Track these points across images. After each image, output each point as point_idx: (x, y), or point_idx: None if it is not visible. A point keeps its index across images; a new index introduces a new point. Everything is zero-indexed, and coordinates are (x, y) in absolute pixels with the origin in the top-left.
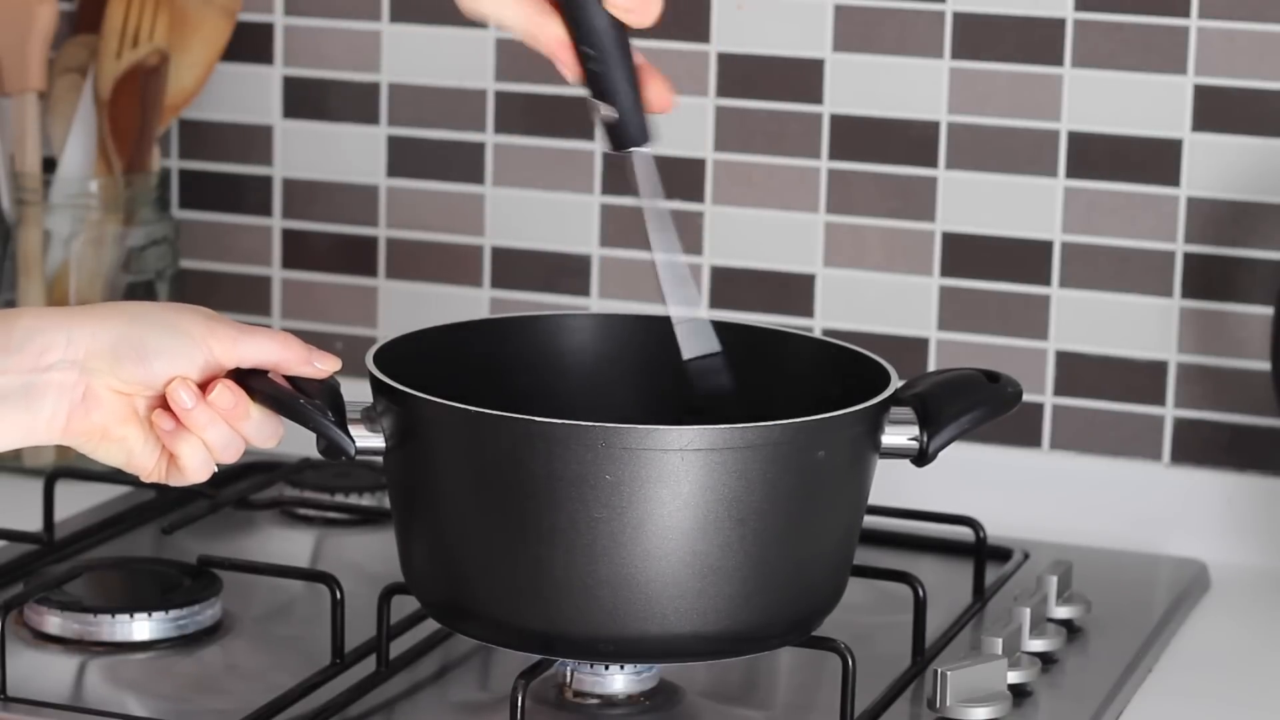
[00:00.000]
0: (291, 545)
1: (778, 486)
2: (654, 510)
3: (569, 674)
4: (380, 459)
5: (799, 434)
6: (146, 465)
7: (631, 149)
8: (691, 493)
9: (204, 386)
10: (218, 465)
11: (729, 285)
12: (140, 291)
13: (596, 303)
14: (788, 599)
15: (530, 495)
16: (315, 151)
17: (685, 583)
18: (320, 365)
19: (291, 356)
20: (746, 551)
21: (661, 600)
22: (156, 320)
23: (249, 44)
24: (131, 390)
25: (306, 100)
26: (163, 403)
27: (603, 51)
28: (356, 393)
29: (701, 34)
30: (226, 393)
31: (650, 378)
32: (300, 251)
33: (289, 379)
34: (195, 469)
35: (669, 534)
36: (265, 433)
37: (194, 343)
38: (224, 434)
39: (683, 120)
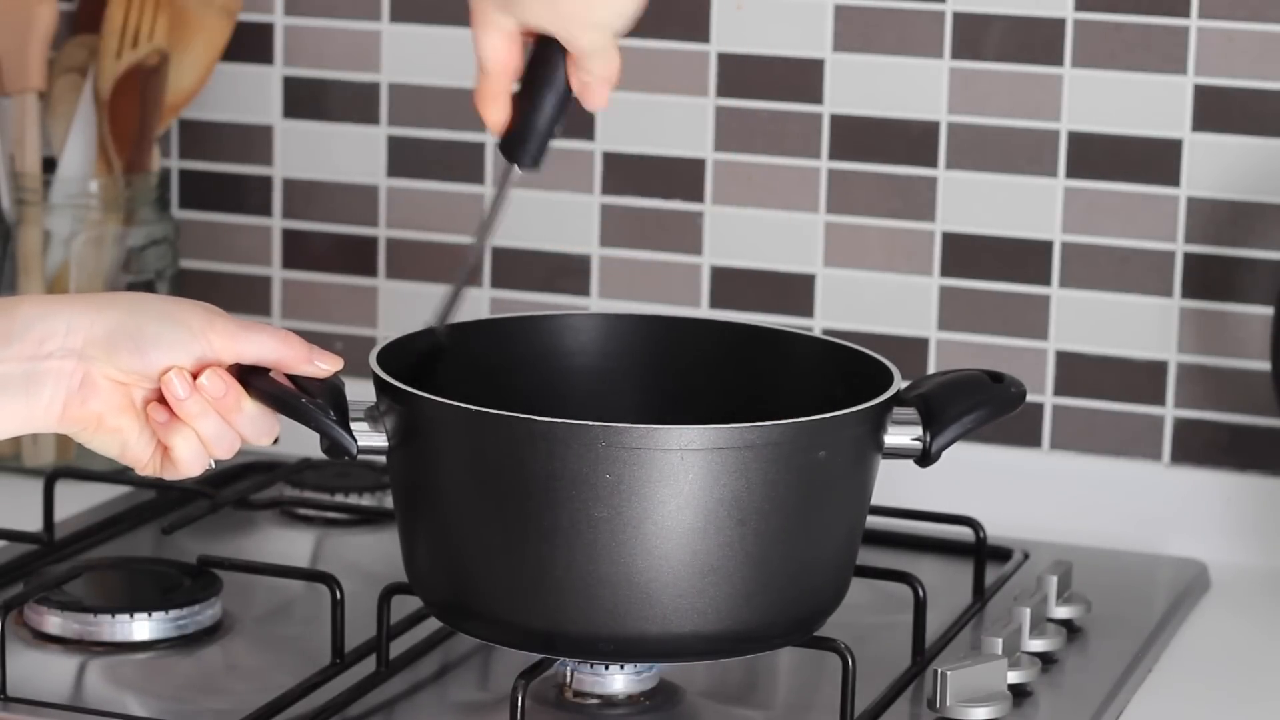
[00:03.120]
0: (291, 545)
1: (778, 486)
2: (654, 510)
3: (569, 674)
4: (382, 458)
5: (799, 434)
6: (141, 457)
7: (516, 166)
8: (691, 492)
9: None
10: (214, 461)
11: (729, 285)
12: (140, 291)
13: (596, 303)
14: (788, 599)
15: (531, 495)
16: (315, 151)
17: (685, 582)
18: (321, 365)
19: (292, 355)
20: (747, 551)
21: (661, 600)
22: (156, 311)
23: (249, 44)
24: (129, 380)
25: (306, 100)
26: (159, 395)
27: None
28: (357, 392)
29: (701, 34)
30: (217, 380)
31: (651, 377)
32: (300, 251)
33: (291, 378)
34: (188, 461)
35: (669, 533)
36: (260, 429)
37: (193, 335)
38: (216, 426)
39: (683, 120)
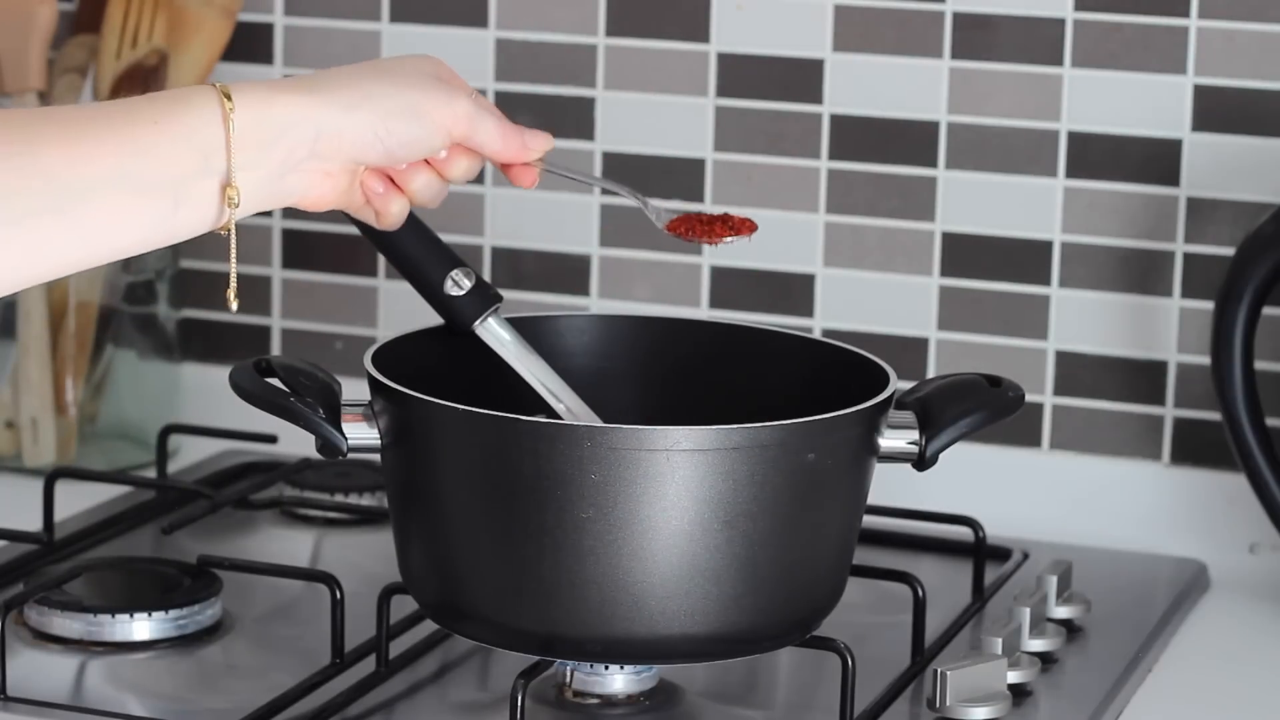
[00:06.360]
0: (291, 545)
1: (766, 488)
2: (640, 511)
3: (569, 674)
4: (378, 457)
5: (787, 436)
6: (353, 203)
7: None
8: (678, 494)
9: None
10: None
11: (728, 285)
12: (140, 291)
13: (596, 303)
14: (780, 602)
15: (518, 495)
16: None
17: (673, 584)
18: (533, 146)
19: (508, 154)
20: (735, 553)
21: (649, 601)
22: (404, 107)
23: (249, 44)
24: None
25: None
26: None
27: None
28: (357, 392)
29: (701, 34)
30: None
31: (650, 378)
32: (300, 251)
33: (285, 377)
34: (397, 216)
35: (656, 535)
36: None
37: (436, 129)
38: (433, 193)
39: (683, 120)
